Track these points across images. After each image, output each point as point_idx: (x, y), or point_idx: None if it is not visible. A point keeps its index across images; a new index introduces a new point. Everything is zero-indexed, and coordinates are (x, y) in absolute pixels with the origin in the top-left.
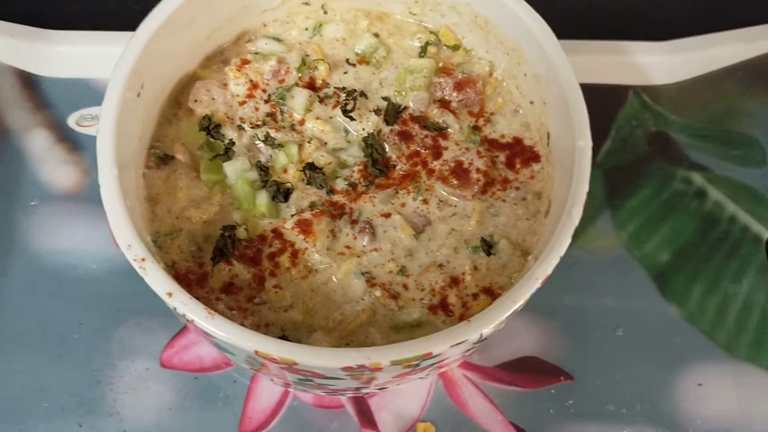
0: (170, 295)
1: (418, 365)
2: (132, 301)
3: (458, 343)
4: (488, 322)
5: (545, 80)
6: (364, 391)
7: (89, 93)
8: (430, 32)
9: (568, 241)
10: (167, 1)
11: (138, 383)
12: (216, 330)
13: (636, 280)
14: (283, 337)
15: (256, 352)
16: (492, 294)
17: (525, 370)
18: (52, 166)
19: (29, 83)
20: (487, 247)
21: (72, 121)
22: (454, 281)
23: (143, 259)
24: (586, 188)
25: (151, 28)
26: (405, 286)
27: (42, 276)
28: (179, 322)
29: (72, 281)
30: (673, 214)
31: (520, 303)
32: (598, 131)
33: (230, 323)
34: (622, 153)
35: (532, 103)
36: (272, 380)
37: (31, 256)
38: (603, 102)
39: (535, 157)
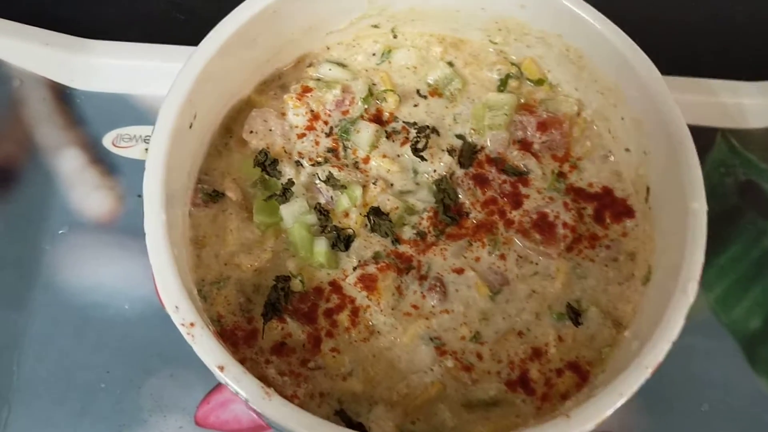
0: (222, 369)
1: None
2: (166, 348)
3: None
4: (590, 419)
5: (648, 127)
6: None
7: (128, 110)
8: (512, 63)
9: (681, 322)
10: (229, 19)
11: None
12: (274, 414)
13: (723, 349)
14: (341, 411)
15: None
16: (579, 370)
17: None
18: (84, 191)
19: (62, 96)
20: (575, 314)
21: (108, 140)
22: (536, 353)
23: (192, 324)
24: (702, 259)
25: (210, 51)
26: (479, 356)
27: (67, 314)
28: None
29: (101, 322)
30: (764, 276)
31: (627, 396)
32: None
33: (290, 407)
34: (710, 204)
35: (627, 150)
36: None
37: (57, 291)
38: None
39: (628, 212)
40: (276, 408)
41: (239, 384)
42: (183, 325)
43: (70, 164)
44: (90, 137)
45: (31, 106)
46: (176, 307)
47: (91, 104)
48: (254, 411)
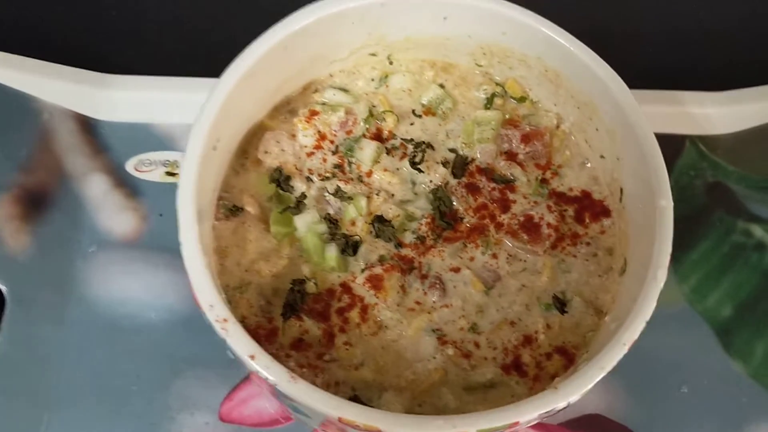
0: (252, 357)
1: None
2: (190, 352)
3: (545, 412)
4: (576, 390)
5: (620, 136)
6: None
7: (148, 138)
8: (497, 84)
9: (653, 304)
10: (246, 54)
11: None
12: (300, 395)
13: (699, 336)
14: (355, 397)
15: (340, 419)
16: (566, 354)
17: (590, 428)
18: (111, 212)
19: (88, 127)
20: (560, 304)
21: (130, 166)
22: (527, 340)
23: (225, 320)
24: (669, 249)
25: (231, 82)
26: (477, 344)
27: (100, 325)
28: (238, 375)
29: (130, 331)
30: (733, 268)
31: (607, 369)
32: None
33: (313, 389)
34: (681, 204)
35: (602, 157)
36: None
37: (89, 304)
38: None
39: (605, 212)
40: (301, 390)
41: (268, 370)
42: (217, 321)
43: (96, 188)
44: (114, 163)
45: (59, 137)
46: (210, 305)
47: (114, 133)
48: (280, 396)
